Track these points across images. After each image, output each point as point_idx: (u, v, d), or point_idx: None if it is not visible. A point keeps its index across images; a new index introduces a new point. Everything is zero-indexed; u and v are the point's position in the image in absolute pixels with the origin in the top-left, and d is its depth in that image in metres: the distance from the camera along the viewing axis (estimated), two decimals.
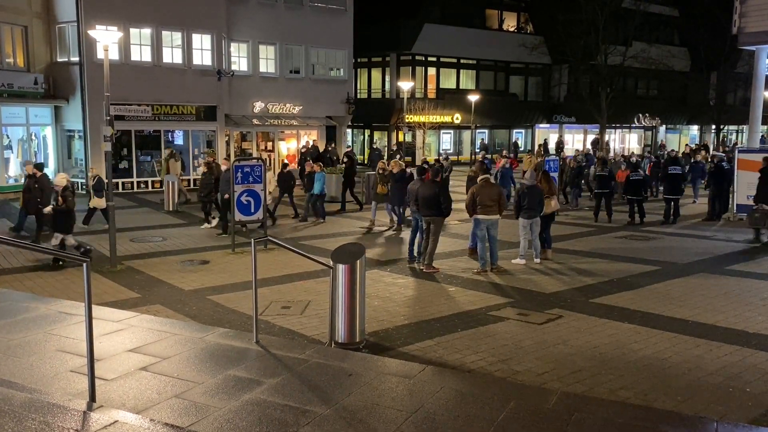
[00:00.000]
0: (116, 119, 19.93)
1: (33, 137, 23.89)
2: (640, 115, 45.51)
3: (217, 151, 26.27)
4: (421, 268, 11.64)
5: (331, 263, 7.33)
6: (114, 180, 15.58)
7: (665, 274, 11.52)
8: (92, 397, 4.86)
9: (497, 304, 9.49)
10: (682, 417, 5.46)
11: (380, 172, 17.19)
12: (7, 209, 19.29)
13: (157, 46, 24.42)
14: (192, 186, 23.52)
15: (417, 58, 37.23)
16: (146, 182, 24.63)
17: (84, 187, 23.79)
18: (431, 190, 11.55)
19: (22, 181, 23.02)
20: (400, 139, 35.90)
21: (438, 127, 36.87)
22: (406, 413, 4.97)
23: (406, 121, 30.77)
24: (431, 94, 37.80)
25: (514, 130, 43.66)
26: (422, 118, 33.86)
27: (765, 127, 37.02)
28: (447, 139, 40.43)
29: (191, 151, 25.94)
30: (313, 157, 26.89)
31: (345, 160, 22.52)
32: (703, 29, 40.57)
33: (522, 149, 41.86)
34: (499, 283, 10.77)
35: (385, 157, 27.72)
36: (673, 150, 25.88)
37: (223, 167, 15.58)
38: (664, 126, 49.07)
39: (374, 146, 28.88)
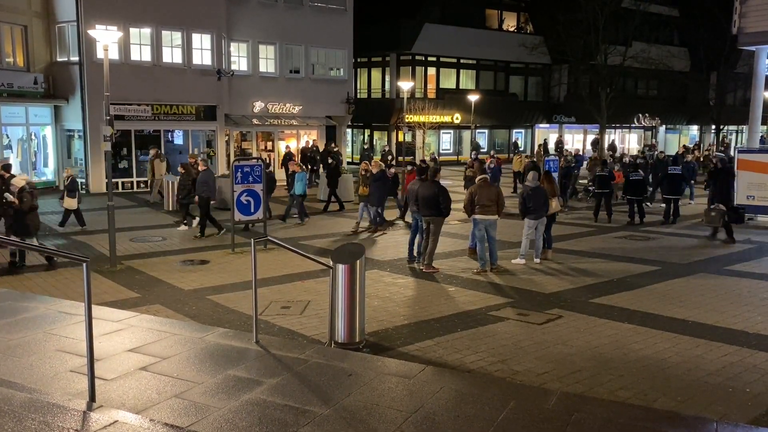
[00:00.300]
0: (116, 119, 19.93)
1: (33, 137, 23.89)
2: (640, 115, 45.49)
3: (217, 150, 26.30)
4: (421, 268, 11.64)
5: (331, 263, 7.33)
6: (114, 180, 15.58)
7: (665, 274, 11.52)
8: (92, 397, 4.86)
9: (497, 304, 9.49)
10: (681, 417, 5.46)
11: (363, 172, 17.14)
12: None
13: (156, 46, 24.41)
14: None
15: (417, 57, 37.22)
16: (146, 182, 24.61)
17: (83, 186, 23.83)
18: (431, 191, 11.55)
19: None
20: (400, 139, 35.86)
21: (438, 127, 36.84)
22: (405, 413, 4.97)
23: (406, 121, 30.72)
24: (431, 94, 37.79)
25: (514, 130, 43.64)
26: (422, 118, 33.83)
27: (765, 127, 37.02)
28: (447, 139, 40.42)
29: (191, 151, 25.90)
30: (312, 156, 27.01)
31: (330, 160, 22.32)
32: (703, 29, 40.57)
33: (522, 149, 41.85)
34: (499, 283, 10.77)
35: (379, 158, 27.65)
36: (662, 152, 25.65)
37: (200, 168, 15.33)
38: (663, 126, 49.06)
39: (364, 146, 28.77)
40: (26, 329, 6.89)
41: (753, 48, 19.76)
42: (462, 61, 39.58)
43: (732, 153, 31.98)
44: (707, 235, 15.38)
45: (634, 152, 40.51)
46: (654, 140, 46.68)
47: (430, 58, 37.88)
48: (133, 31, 23.73)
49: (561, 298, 9.79)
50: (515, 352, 7.42)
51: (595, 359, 7.23)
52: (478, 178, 12.05)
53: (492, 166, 20.89)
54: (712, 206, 15.44)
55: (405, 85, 28.39)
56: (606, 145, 40.18)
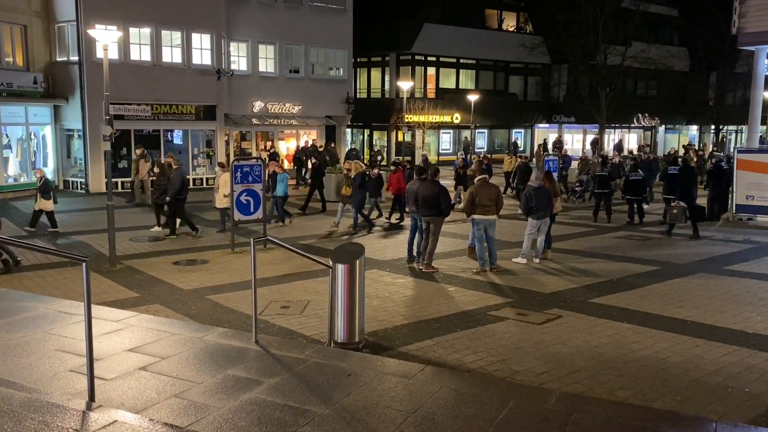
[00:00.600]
0: (115, 119, 19.91)
1: (32, 137, 23.88)
2: (640, 115, 45.49)
3: (217, 150, 26.30)
4: (421, 267, 11.64)
5: (330, 263, 7.33)
6: (113, 179, 15.56)
7: (664, 274, 11.52)
8: (91, 397, 4.86)
9: (496, 304, 9.49)
10: (680, 417, 5.46)
11: (345, 173, 16.94)
12: (7, 209, 19.28)
13: (156, 46, 24.41)
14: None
15: (416, 57, 37.23)
16: (141, 182, 24.56)
17: (83, 186, 23.84)
18: (431, 190, 11.55)
19: (22, 180, 23.12)
20: (400, 139, 35.87)
21: (437, 126, 36.86)
22: (405, 413, 4.97)
23: (406, 120, 30.73)
24: (431, 94, 37.79)
25: (514, 130, 43.65)
26: (422, 118, 33.86)
27: (764, 127, 37.04)
28: (446, 139, 40.42)
29: (190, 151, 25.94)
30: (311, 155, 26.98)
31: (313, 160, 22.05)
32: (702, 29, 40.58)
33: (521, 149, 41.85)
34: (498, 283, 10.77)
35: (364, 158, 27.44)
36: (651, 154, 25.37)
37: (174, 167, 15.18)
38: (663, 126, 49.07)
39: (352, 146, 28.64)
40: (26, 329, 6.89)
41: (752, 48, 19.77)
42: (462, 61, 39.59)
43: (725, 153, 32.02)
44: (664, 231, 15.69)
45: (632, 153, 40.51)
46: (643, 141, 46.63)
47: (429, 58, 37.88)
48: (133, 30, 23.73)
49: (560, 298, 9.79)
50: (515, 352, 7.43)
51: (595, 359, 7.23)
52: (478, 178, 12.04)
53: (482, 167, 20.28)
54: (673, 203, 15.64)
55: (405, 85, 28.43)
56: (612, 145, 40.20)
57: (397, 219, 17.29)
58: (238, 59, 28.00)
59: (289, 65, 29.58)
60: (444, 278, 11.08)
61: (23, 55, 23.38)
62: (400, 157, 26.26)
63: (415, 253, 12.18)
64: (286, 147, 29.92)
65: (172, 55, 24.90)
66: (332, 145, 29.41)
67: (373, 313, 8.77)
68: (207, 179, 25.60)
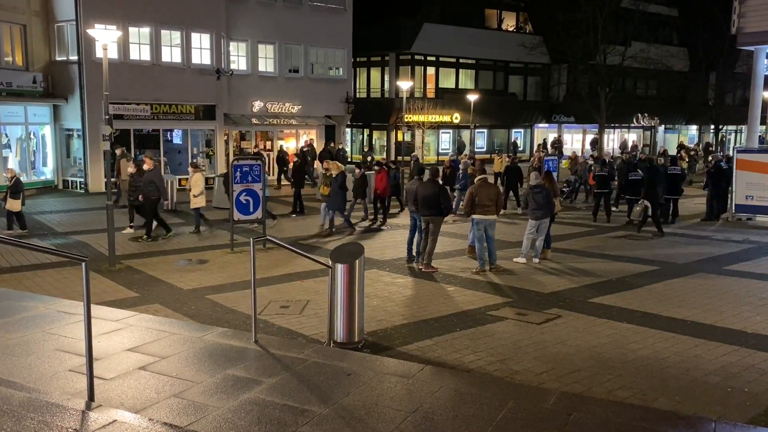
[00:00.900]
0: (115, 118, 19.90)
1: (32, 136, 23.88)
2: (639, 115, 45.52)
3: (216, 150, 26.30)
4: (420, 267, 11.64)
5: (330, 263, 7.33)
6: (113, 179, 15.55)
7: (664, 274, 11.53)
8: (91, 397, 4.86)
9: (496, 303, 9.49)
10: (680, 417, 5.46)
11: (324, 172, 16.40)
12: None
13: (156, 45, 24.40)
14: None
15: (416, 57, 37.23)
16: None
17: (82, 186, 23.83)
18: (431, 190, 11.55)
19: (21, 180, 23.09)
20: (400, 138, 35.85)
21: (437, 126, 36.86)
22: (404, 413, 4.97)
23: (405, 120, 30.71)
24: (430, 94, 37.78)
25: (513, 130, 43.65)
26: (421, 118, 33.85)
27: (764, 127, 37.06)
28: (446, 139, 40.42)
29: (190, 150, 25.92)
30: (311, 156, 26.96)
31: (295, 159, 21.43)
32: (702, 29, 40.61)
33: (521, 149, 41.87)
34: (498, 283, 10.77)
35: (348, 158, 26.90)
36: (642, 154, 25.14)
37: (146, 167, 14.81)
38: (663, 126, 49.09)
39: (339, 146, 28.44)
40: (25, 329, 6.89)
41: (752, 48, 19.77)
42: (461, 60, 39.59)
43: (722, 153, 32.00)
44: (635, 227, 15.97)
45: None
46: (635, 141, 46.62)
47: (429, 58, 37.88)
48: (133, 30, 23.71)
49: (560, 298, 9.80)
50: (514, 352, 7.43)
51: (594, 359, 7.23)
52: (478, 178, 12.05)
53: (463, 168, 19.19)
54: (638, 201, 15.99)
55: (404, 85, 28.38)
56: (618, 145, 40.18)
57: (379, 223, 16.96)
58: (238, 59, 27.99)
59: (289, 65, 29.57)
60: (443, 278, 11.08)
61: (23, 55, 23.37)
62: (382, 157, 25.79)
63: (414, 253, 12.18)
64: (286, 146, 29.86)
65: (171, 54, 24.90)
66: (331, 144, 29.39)
67: (373, 313, 8.77)
68: (206, 179, 25.54)
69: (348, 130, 35.62)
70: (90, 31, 12.65)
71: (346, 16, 30.77)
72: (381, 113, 37.07)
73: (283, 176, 25.35)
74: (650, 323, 8.54)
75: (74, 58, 23.21)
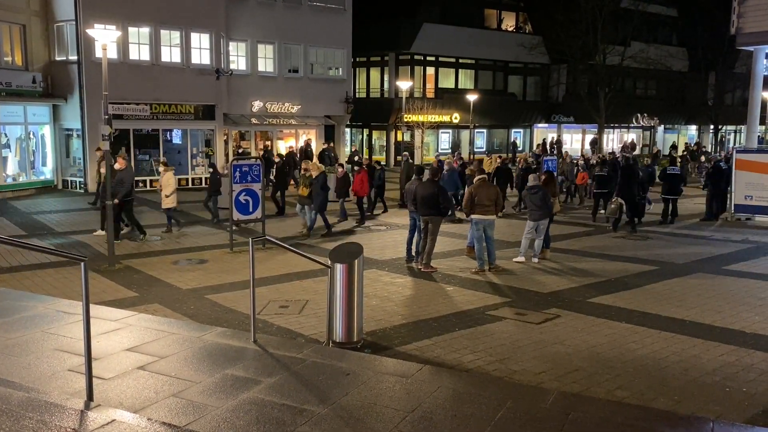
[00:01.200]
0: (114, 118, 19.91)
1: (31, 136, 23.86)
2: (639, 115, 45.54)
3: (216, 150, 26.29)
4: (419, 267, 11.65)
5: (329, 263, 7.34)
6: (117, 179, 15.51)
7: (663, 274, 11.54)
8: (90, 396, 4.86)
9: (495, 303, 9.50)
10: (678, 417, 5.47)
11: (303, 173, 15.86)
12: (6, 208, 19.27)
13: (155, 45, 24.40)
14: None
15: (416, 57, 37.24)
16: (144, 181, 24.62)
17: (82, 186, 23.82)
18: (430, 190, 11.55)
19: (21, 180, 23.12)
20: (399, 138, 35.87)
21: (436, 126, 36.87)
22: (403, 412, 4.98)
23: (405, 120, 30.73)
24: (430, 94, 37.81)
25: (513, 130, 43.67)
26: (421, 118, 33.87)
27: (763, 127, 37.10)
28: (445, 139, 40.43)
29: (189, 150, 25.93)
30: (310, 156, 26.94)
31: (276, 160, 21.15)
32: (701, 29, 40.63)
33: (521, 149, 41.86)
34: (497, 283, 10.78)
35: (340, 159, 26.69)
36: (629, 156, 24.53)
37: (117, 166, 14.23)
38: (662, 126, 49.12)
39: (325, 147, 28.31)
40: (24, 328, 6.89)
41: (751, 48, 19.77)
42: (461, 60, 39.60)
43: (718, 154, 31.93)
44: (610, 227, 16.18)
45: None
46: (626, 140, 46.60)
47: (428, 58, 37.89)
48: (132, 30, 23.72)
49: (559, 298, 9.80)
50: (513, 352, 7.44)
51: (593, 359, 7.24)
52: (477, 178, 12.06)
53: (447, 168, 18.43)
54: (612, 199, 16.15)
55: (404, 85, 28.40)
56: (622, 145, 40.15)
57: (355, 224, 16.72)
58: (237, 59, 27.99)
59: (288, 65, 29.58)
60: (443, 278, 11.08)
61: (22, 55, 23.36)
62: (360, 157, 25.37)
63: (413, 253, 12.19)
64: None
65: (171, 54, 24.90)
66: (331, 144, 29.40)
67: (372, 313, 8.78)
68: (205, 179, 25.56)
69: (347, 130, 35.62)
70: (89, 31, 12.65)
71: (345, 16, 30.77)
72: (380, 113, 37.08)
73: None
74: (649, 323, 8.55)
75: (74, 58, 23.21)
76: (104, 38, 12.11)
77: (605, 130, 40.26)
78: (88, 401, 4.80)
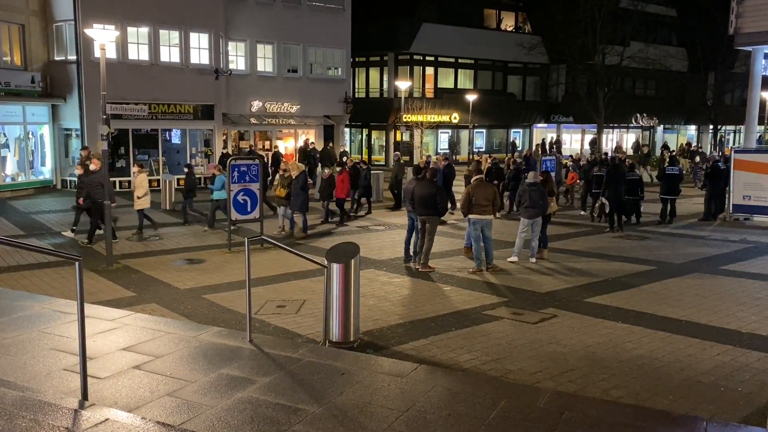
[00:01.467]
0: (113, 118, 19.91)
1: (30, 136, 23.87)
2: (638, 115, 45.53)
3: (215, 150, 26.30)
4: (417, 267, 11.66)
5: (325, 262, 7.34)
6: (111, 179, 15.54)
7: (660, 273, 11.55)
8: (84, 395, 4.88)
9: (492, 303, 9.51)
10: (672, 416, 5.48)
11: (282, 173, 15.66)
12: (5, 208, 19.28)
13: (154, 45, 24.41)
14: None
15: (415, 57, 37.24)
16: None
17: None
18: (428, 190, 11.56)
19: (20, 180, 23.13)
20: (398, 138, 35.86)
21: (436, 126, 36.89)
22: (397, 412, 4.99)
23: (404, 120, 30.73)
24: (429, 94, 37.80)
25: (512, 130, 43.67)
26: (420, 118, 33.88)
27: (761, 127, 37.10)
28: (445, 139, 40.45)
29: (188, 150, 25.93)
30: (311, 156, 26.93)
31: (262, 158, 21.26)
32: (700, 29, 40.63)
33: (520, 149, 41.85)
34: (494, 283, 10.79)
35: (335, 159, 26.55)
36: (616, 156, 24.11)
37: (92, 167, 14.06)
38: (661, 126, 49.12)
39: (308, 147, 28.17)
40: (20, 328, 6.90)
41: (750, 48, 19.78)
42: (460, 60, 39.60)
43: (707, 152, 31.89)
44: (608, 227, 16.21)
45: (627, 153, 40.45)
46: (620, 140, 46.56)
47: (428, 58, 37.89)
48: (131, 30, 23.74)
49: (556, 298, 9.81)
50: (509, 351, 7.45)
51: (589, 358, 7.25)
52: (474, 178, 12.07)
53: (437, 166, 17.84)
54: (600, 200, 16.49)
55: (403, 85, 28.42)
56: (629, 145, 40.11)
57: (336, 223, 16.66)
58: (236, 59, 28.00)
59: (288, 65, 29.59)
60: (440, 278, 11.09)
61: (21, 55, 23.37)
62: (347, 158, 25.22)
63: (411, 253, 12.20)
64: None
65: (170, 54, 24.91)
66: (330, 144, 29.40)
67: (369, 313, 8.79)
68: (204, 179, 25.57)
69: (347, 129, 35.62)
70: (88, 31, 12.65)
71: (344, 16, 30.78)
72: (380, 113, 37.07)
73: None
74: (645, 323, 8.56)
75: (72, 57, 23.22)
76: (103, 38, 12.12)
77: (604, 130, 40.25)
78: (83, 400, 4.82)
